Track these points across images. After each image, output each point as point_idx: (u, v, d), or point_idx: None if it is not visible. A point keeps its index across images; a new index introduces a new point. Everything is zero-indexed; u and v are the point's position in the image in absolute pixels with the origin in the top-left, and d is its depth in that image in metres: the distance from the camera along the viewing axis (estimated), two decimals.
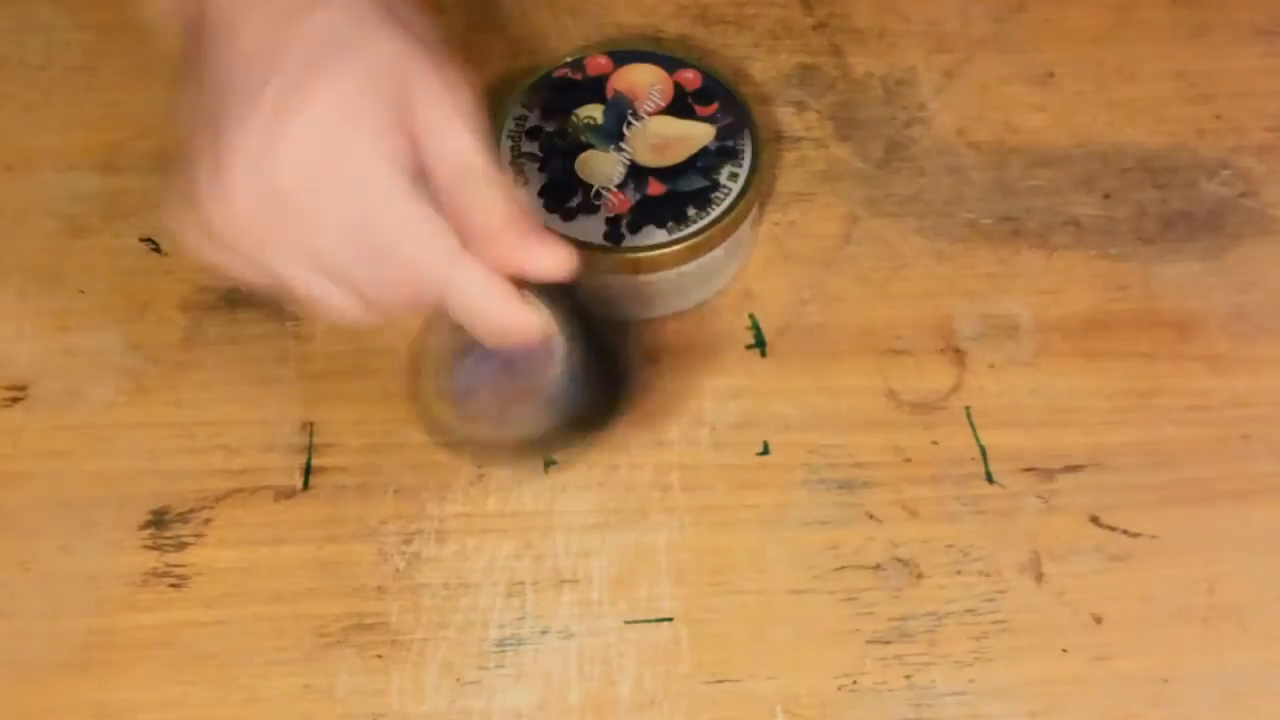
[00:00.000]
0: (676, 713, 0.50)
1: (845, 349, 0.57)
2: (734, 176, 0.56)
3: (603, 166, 0.57)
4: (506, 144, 0.58)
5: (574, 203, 0.56)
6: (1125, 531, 0.54)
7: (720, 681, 0.51)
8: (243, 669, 0.51)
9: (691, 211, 0.56)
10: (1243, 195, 0.61)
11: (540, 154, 0.57)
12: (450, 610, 0.52)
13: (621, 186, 0.56)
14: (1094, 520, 0.54)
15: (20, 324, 0.57)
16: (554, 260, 0.47)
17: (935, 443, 0.55)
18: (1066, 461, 0.55)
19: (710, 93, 0.59)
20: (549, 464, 0.55)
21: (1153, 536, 0.53)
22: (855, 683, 0.51)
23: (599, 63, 0.59)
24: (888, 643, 0.51)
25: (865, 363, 0.57)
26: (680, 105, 0.58)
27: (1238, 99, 0.64)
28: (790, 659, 0.51)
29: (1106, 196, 0.61)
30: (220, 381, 0.56)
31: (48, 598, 0.52)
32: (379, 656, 0.51)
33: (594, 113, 0.58)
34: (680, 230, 0.55)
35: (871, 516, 0.54)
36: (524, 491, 0.54)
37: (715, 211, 0.56)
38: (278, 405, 0.56)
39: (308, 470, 0.54)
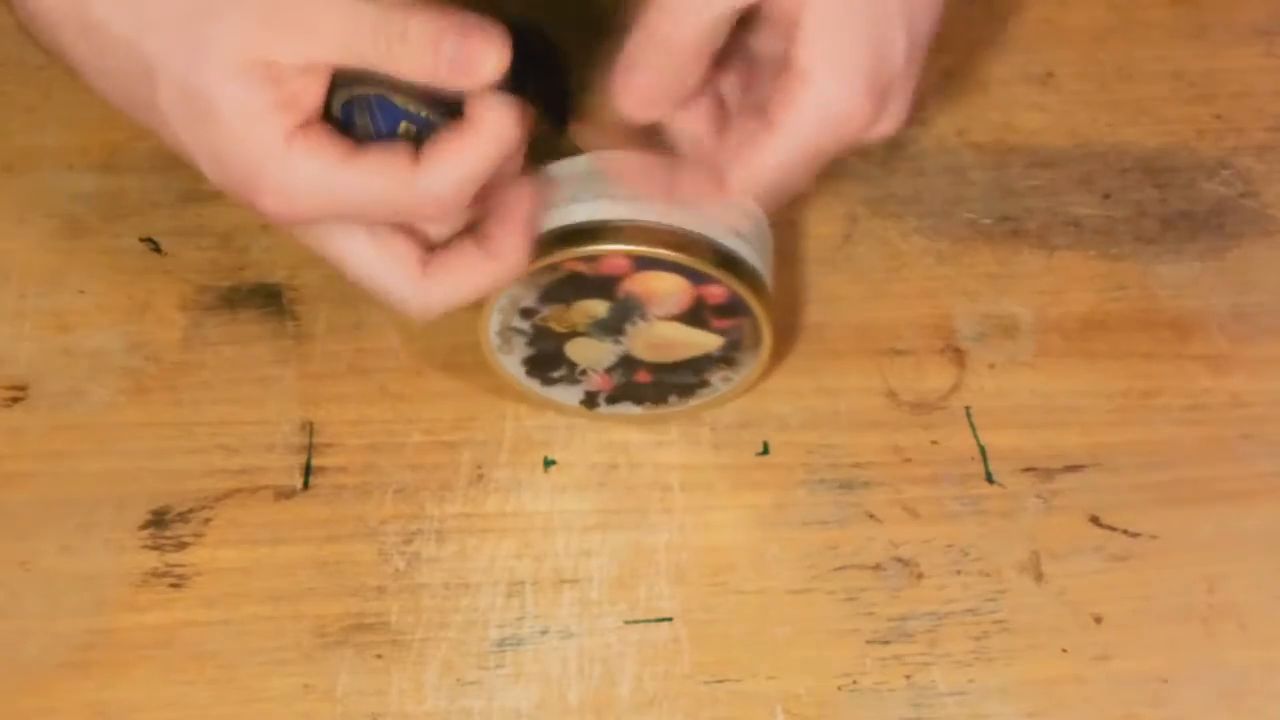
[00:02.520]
0: (676, 713, 0.50)
1: (845, 349, 0.57)
2: (728, 380, 0.54)
3: (594, 353, 0.53)
4: (495, 318, 0.52)
5: (556, 374, 0.54)
6: (1125, 531, 0.54)
7: (720, 681, 0.51)
8: (242, 669, 0.51)
9: (673, 399, 0.55)
10: (1243, 195, 0.61)
11: (530, 332, 0.52)
12: (450, 610, 0.52)
13: (609, 370, 0.54)
14: (1094, 520, 0.54)
15: (20, 324, 0.57)
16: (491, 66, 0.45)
17: (935, 443, 0.55)
18: (1066, 461, 0.55)
19: (733, 309, 0.51)
20: (549, 463, 0.55)
21: (1153, 536, 0.53)
22: (855, 683, 0.51)
23: (616, 263, 0.50)
24: (888, 643, 0.51)
25: (865, 362, 0.57)
26: (695, 314, 0.52)
27: (1238, 99, 0.64)
28: (790, 659, 0.51)
29: (1106, 196, 0.61)
30: (220, 381, 0.56)
31: (48, 598, 0.52)
32: (379, 656, 0.51)
33: (597, 308, 0.52)
34: (656, 409, 0.55)
35: (871, 516, 0.54)
36: (524, 491, 0.54)
37: (697, 401, 0.55)
38: (278, 405, 0.56)
39: (308, 470, 0.54)
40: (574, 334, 0.52)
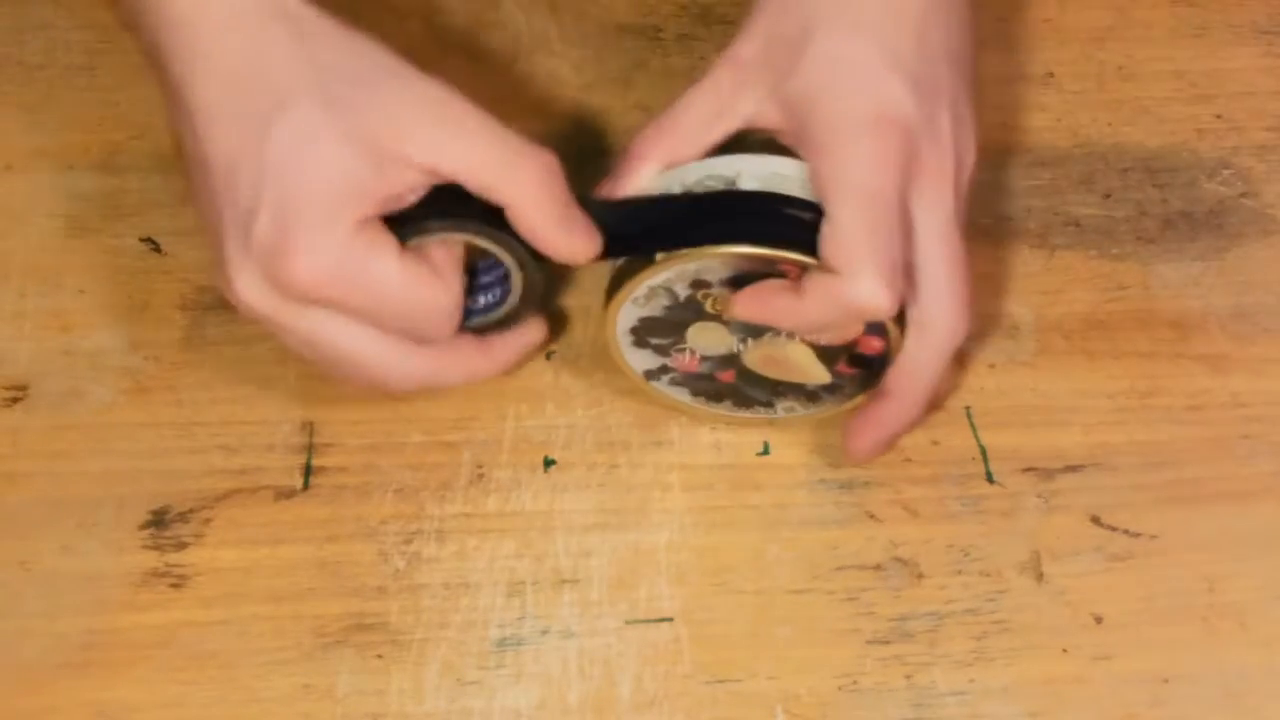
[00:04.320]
0: (676, 713, 0.50)
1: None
2: (791, 410, 0.54)
3: (712, 341, 0.52)
4: (665, 275, 0.50)
5: (654, 341, 0.53)
6: (1125, 531, 0.54)
7: (720, 681, 0.51)
8: (242, 669, 0.51)
9: (727, 403, 0.54)
10: (1243, 195, 0.61)
11: (682, 300, 0.51)
12: (450, 610, 0.52)
13: (706, 359, 0.53)
14: (1094, 520, 0.54)
15: (20, 324, 0.57)
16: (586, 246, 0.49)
17: (935, 443, 0.55)
18: (1066, 461, 0.55)
19: (869, 364, 0.51)
20: (549, 463, 0.55)
21: (1153, 536, 0.53)
22: (855, 683, 0.51)
23: None
24: (888, 643, 0.51)
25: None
26: (837, 352, 0.51)
27: (1238, 99, 0.64)
28: (790, 659, 0.51)
29: (1107, 196, 0.61)
30: (220, 381, 0.56)
31: (47, 598, 0.52)
32: (379, 656, 0.51)
33: None
34: (705, 406, 0.55)
35: (872, 516, 0.54)
36: (524, 491, 0.54)
37: (745, 414, 0.55)
38: (278, 405, 0.56)
39: (308, 470, 0.54)
40: (712, 318, 0.51)
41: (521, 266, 0.50)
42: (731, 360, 0.53)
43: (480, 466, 0.55)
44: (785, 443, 0.55)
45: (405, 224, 0.47)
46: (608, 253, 0.50)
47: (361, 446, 0.55)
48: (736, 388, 0.54)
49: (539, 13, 0.66)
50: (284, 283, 0.46)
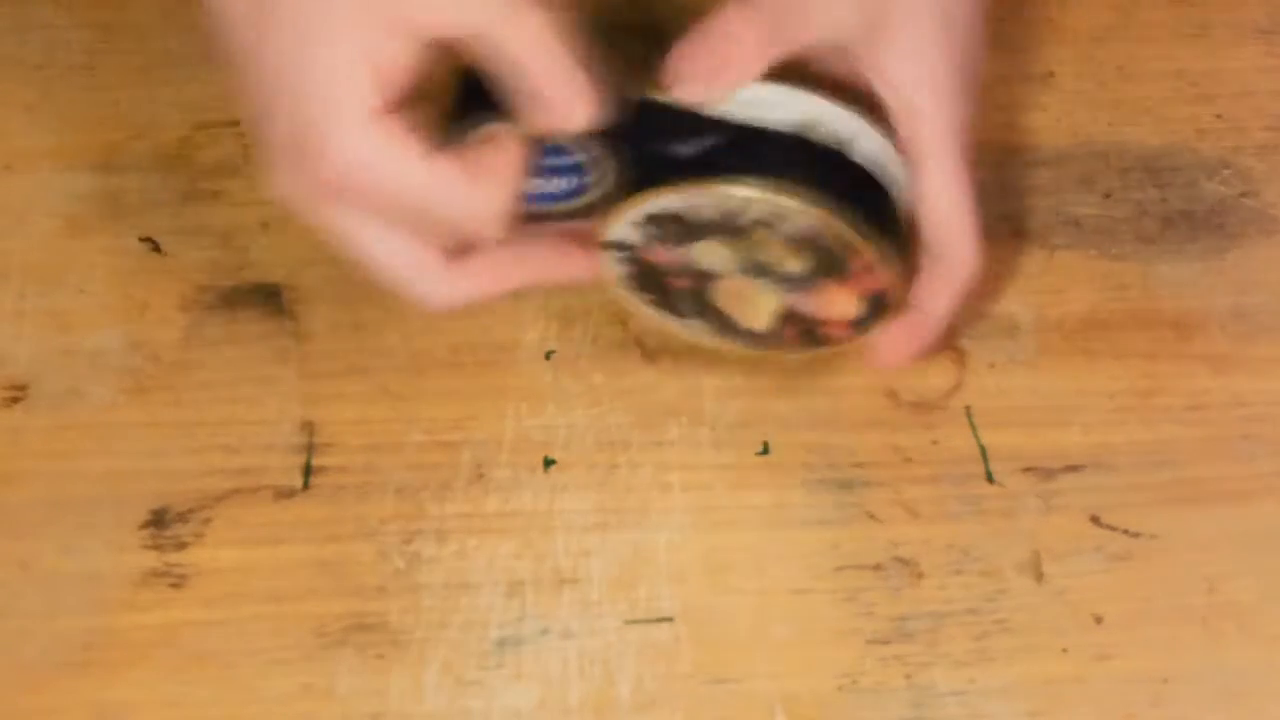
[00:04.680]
0: (676, 713, 0.50)
1: (845, 348, 0.57)
2: (706, 331, 0.55)
3: (711, 256, 0.51)
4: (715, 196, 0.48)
5: (654, 231, 0.50)
6: (1125, 531, 0.54)
7: (720, 681, 0.51)
8: (242, 669, 0.51)
9: (653, 296, 0.54)
10: (1243, 195, 0.61)
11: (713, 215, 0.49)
12: (450, 610, 0.52)
13: (680, 260, 0.51)
14: (1094, 520, 0.54)
15: (20, 324, 0.57)
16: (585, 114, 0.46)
17: (935, 442, 0.55)
18: (1066, 461, 0.55)
19: (814, 332, 0.53)
20: (549, 463, 0.55)
21: (1153, 536, 0.53)
22: (855, 683, 0.51)
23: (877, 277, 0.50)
24: (888, 643, 0.51)
25: (868, 360, 0.57)
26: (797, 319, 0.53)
27: (1238, 98, 0.64)
28: (790, 659, 0.51)
29: (1107, 196, 0.61)
30: (220, 381, 0.56)
31: (47, 597, 0.52)
32: (379, 656, 0.51)
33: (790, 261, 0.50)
34: (627, 291, 0.54)
35: (871, 516, 0.54)
36: (524, 491, 0.54)
37: (667, 315, 0.55)
38: (278, 405, 0.56)
39: (308, 470, 0.54)
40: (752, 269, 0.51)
41: (586, 151, 0.48)
42: (703, 277, 0.52)
43: (480, 466, 0.55)
44: (785, 443, 0.55)
45: (466, 120, 0.46)
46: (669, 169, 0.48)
47: (361, 446, 0.55)
48: (678, 293, 0.53)
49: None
50: (308, 180, 0.45)
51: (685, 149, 0.48)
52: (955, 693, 0.50)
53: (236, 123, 0.62)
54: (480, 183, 0.46)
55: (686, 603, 0.52)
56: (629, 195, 0.48)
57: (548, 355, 0.57)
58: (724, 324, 0.54)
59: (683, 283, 0.52)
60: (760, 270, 0.51)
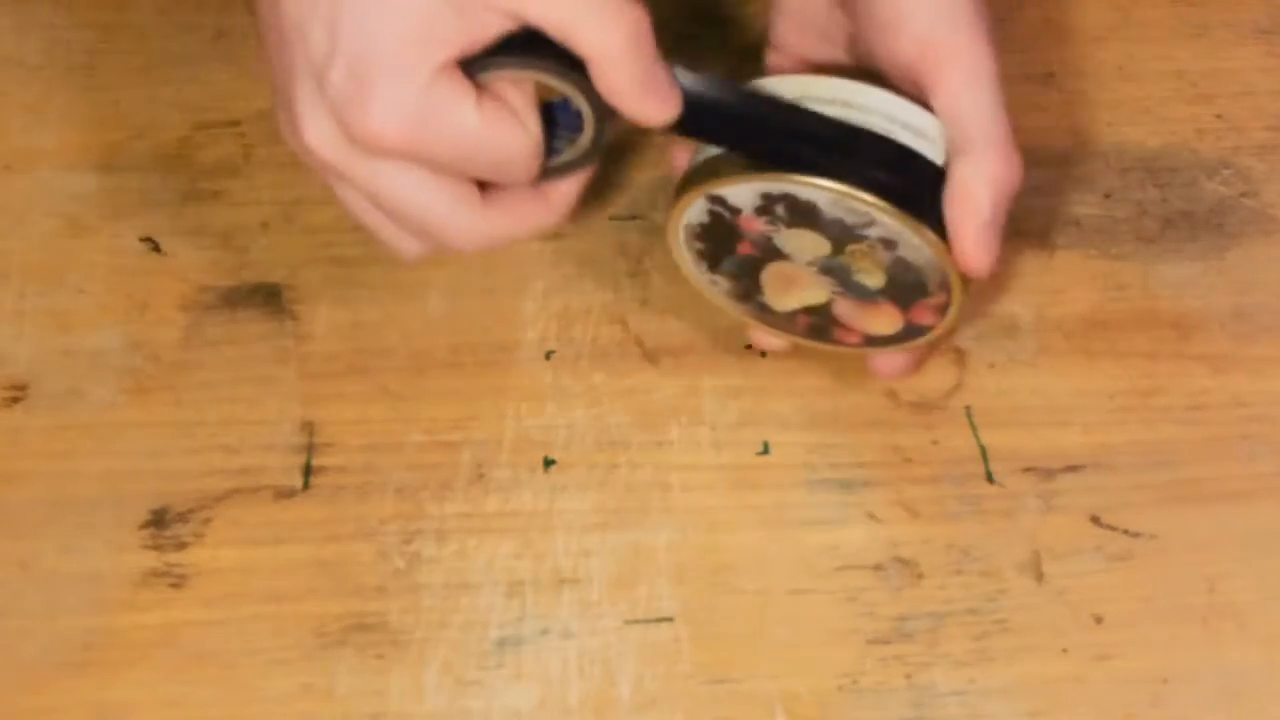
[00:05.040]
0: (676, 713, 0.50)
1: (844, 352, 0.57)
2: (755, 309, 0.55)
3: (800, 287, 0.52)
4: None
5: (725, 261, 0.52)
6: (1125, 531, 0.54)
7: (720, 681, 0.51)
8: (242, 669, 0.51)
9: (726, 274, 0.54)
10: (1243, 195, 0.61)
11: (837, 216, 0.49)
12: (450, 610, 0.52)
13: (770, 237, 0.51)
14: (1094, 520, 0.54)
15: (20, 324, 0.57)
16: (662, 110, 0.47)
17: (935, 442, 0.55)
18: (1067, 461, 0.55)
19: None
20: (549, 463, 0.55)
21: (1153, 536, 0.53)
22: (855, 683, 0.51)
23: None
24: (888, 643, 0.51)
25: (865, 362, 0.57)
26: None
27: (1238, 98, 0.64)
28: (790, 659, 0.51)
29: (1107, 196, 0.61)
30: (220, 381, 0.56)
31: (47, 597, 0.52)
32: (379, 656, 0.51)
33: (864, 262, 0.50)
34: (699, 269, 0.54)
35: (871, 516, 0.54)
36: (524, 491, 0.54)
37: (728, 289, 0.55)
38: (278, 405, 0.56)
39: (308, 470, 0.54)
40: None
41: (595, 113, 0.48)
42: (772, 252, 0.51)
43: (480, 466, 0.55)
44: (785, 443, 0.55)
45: (478, 59, 0.46)
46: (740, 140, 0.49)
47: (361, 446, 0.55)
48: (735, 257, 0.53)
49: None
50: (359, 133, 0.45)
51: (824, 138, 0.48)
52: (955, 693, 0.50)
53: (237, 123, 0.62)
54: (521, 124, 0.47)
55: (686, 603, 0.52)
56: (774, 169, 0.48)
57: (548, 355, 0.57)
58: (749, 292, 0.54)
59: (747, 250, 0.52)
60: (835, 270, 0.51)
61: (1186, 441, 0.55)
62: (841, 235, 0.49)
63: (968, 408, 0.56)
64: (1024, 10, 0.67)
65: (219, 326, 0.57)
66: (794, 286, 0.52)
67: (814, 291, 0.52)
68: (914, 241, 0.49)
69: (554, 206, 0.51)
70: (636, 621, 0.52)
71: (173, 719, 0.50)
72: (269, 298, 0.58)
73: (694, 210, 0.51)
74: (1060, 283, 0.59)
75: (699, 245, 0.53)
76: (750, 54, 0.64)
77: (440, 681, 0.51)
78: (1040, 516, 0.54)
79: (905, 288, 0.51)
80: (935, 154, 0.49)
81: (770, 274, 0.52)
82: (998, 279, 0.59)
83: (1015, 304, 0.59)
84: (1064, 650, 0.51)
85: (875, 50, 0.51)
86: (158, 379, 0.56)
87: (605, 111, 0.48)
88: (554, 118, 0.49)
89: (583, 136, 0.49)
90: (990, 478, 0.55)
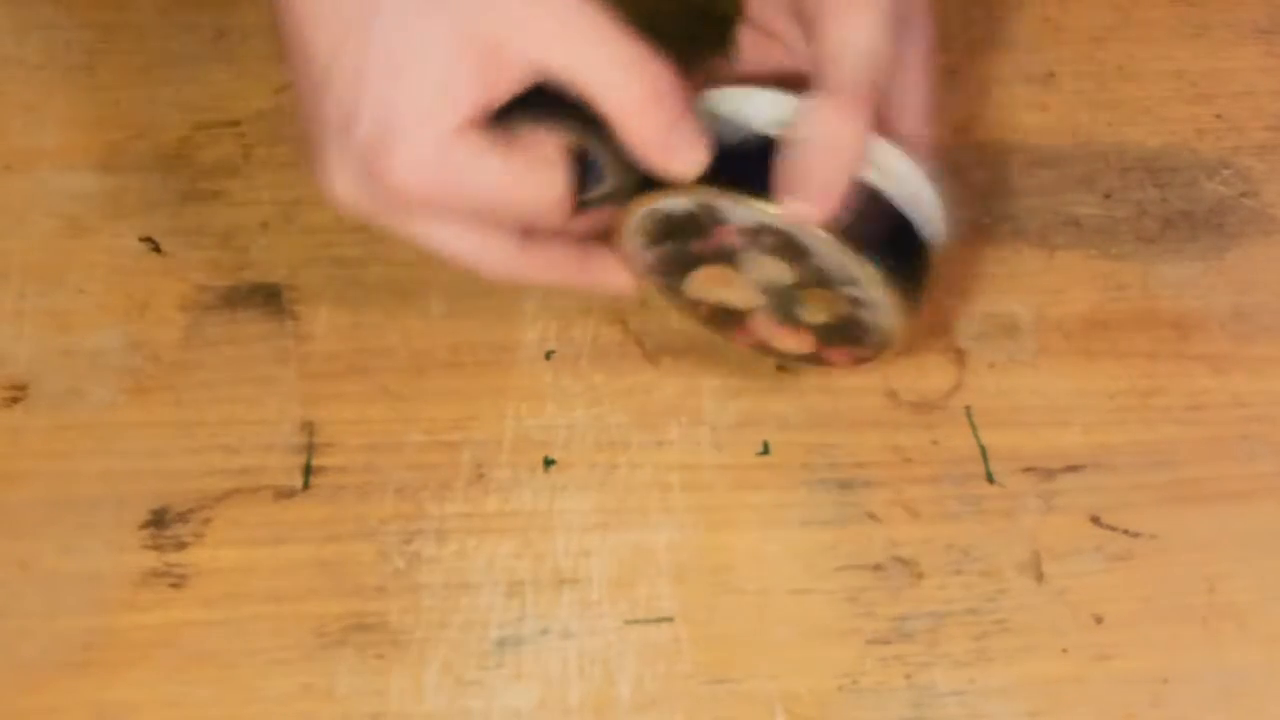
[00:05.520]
0: (676, 713, 0.50)
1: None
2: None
3: (726, 288, 0.52)
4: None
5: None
6: (1125, 531, 0.54)
7: (720, 681, 0.51)
8: (242, 669, 0.51)
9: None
10: (1243, 195, 0.61)
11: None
12: (450, 610, 0.52)
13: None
14: (1094, 520, 0.54)
15: (20, 324, 0.57)
16: (686, 165, 0.47)
17: (935, 442, 0.55)
18: (1066, 461, 0.55)
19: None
20: (549, 463, 0.55)
21: (1153, 536, 0.53)
22: (855, 683, 0.51)
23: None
24: (888, 643, 0.51)
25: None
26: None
27: (1238, 98, 0.64)
28: (790, 659, 0.51)
29: (1106, 196, 0.61)
30: (220, 381, 0.56)
31: (47, 597, 0.52)
32: (379, 656, 0.51)
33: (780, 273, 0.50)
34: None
35: (872, 516, 0.54)
36: (524, 491, 0.54)
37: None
38: (278, 405, 0.56)
39: (308, 470, 0.54)
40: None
41: (620, 162, 0.48)
42: (723, 258, 0.51)
43: (480, 466, 0.55)
44: (785, 443, 0.55)
45: (503, 115, 0.46)
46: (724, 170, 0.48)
47: (361, 446, 0.55)
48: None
49: None
50: (385, 186, 0.45)
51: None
52: (955, 693, 0.51)
53: (237, 123, 0.62)
54: (547, 172, 0.47)
55: (686, 603, 0.52)
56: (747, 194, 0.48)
57: (548, 355, 0.57)
58: (670, 273, 0.53)
59: (700, 248, 0.51)
60: (779, 294, 0.51)
61: (1186, 441, 0.55)
62: (814, 278, 0.49)
63: (968, 408, 0.56)
64: (1024, 10, 0.67)
65: (219, 326, 0.57)
66: (723, 287, 0.52)
67: (741, 297, 0.52)
68: (886, 310, 0.49)
69: (587, 275, 0.51)
70: (636, 621, 0.52)
71: (173, 719, 0.50)
72: (269, 298, 0.58)
73: (680, 200, 0.50)
74: (1060, 283, 0.59)
75: (655, 224, 0.51)
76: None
77: (440, 681, 0.51)
78: (1040, 516, 0.54)
79: (840, 333, 0.51)
80: (924, 223, 0.49)
81: (707, 271, 0.52)
82: (997, 279, 0.59)
83: (1015, 304, 0.58)
84: (1064, 650, 0.51)
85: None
86: (158, 379, 0.56)
87: (630, 160, 0.47)
88: (589, 160, 0.48)
89: (604, 186, 0.49)
90: (990, 478, 0.55)
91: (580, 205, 0.49)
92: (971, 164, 0.62)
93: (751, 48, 0.54)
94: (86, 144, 0.62)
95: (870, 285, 0.48)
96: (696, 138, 0.47)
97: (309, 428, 0.55)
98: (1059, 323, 0.58)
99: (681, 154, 0.47)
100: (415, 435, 0.55)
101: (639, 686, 0.51)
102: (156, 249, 0.59)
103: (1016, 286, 0.59)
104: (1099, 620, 0.52)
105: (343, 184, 0.46)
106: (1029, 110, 0.63)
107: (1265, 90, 0.64)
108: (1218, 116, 0.63)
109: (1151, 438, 0.55)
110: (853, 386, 0.56)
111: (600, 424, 0.56)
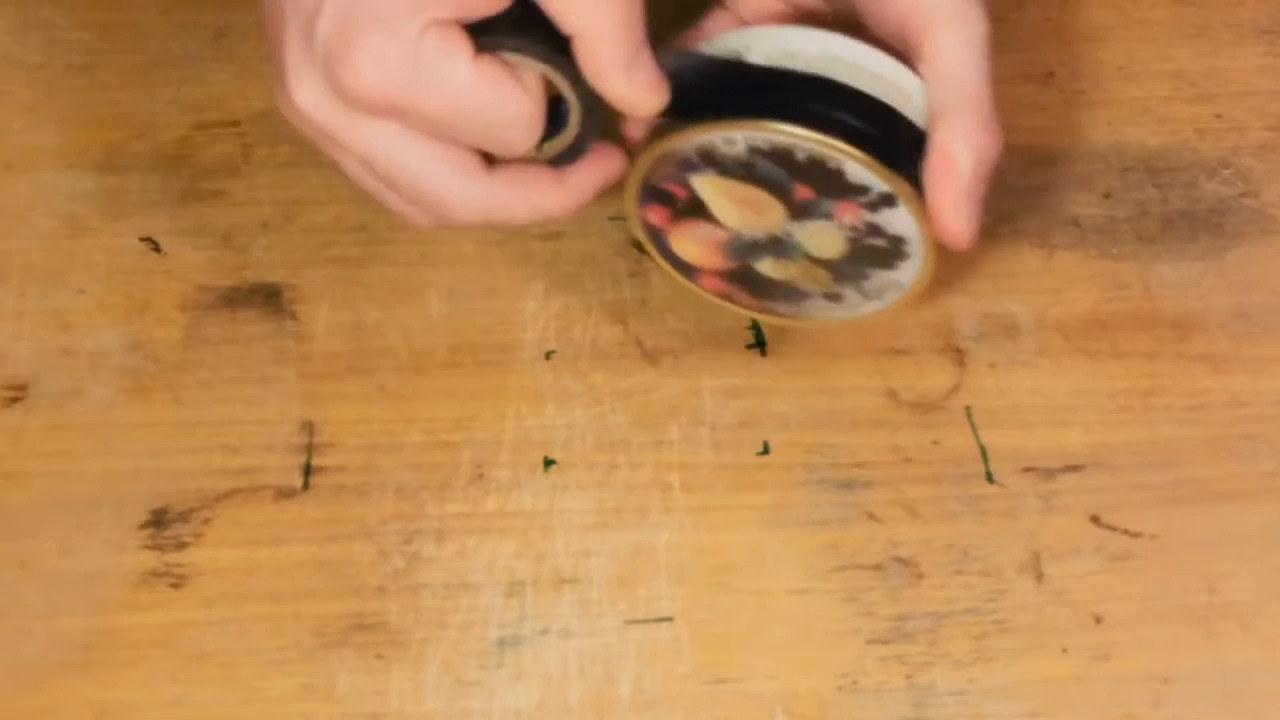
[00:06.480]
0: (676, 713, 0.50)
1: (845, 349, 0.57)
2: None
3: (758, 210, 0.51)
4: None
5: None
6: (1125, 531, 0.54)
7: (720, 681, 0.51)
8: (242, 669, 0.51)
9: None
10: (1243, 195, 0.61)
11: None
12: (450, 610, 0.52)
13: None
14: (1094, 520, 0.54)
15: (20, 324, 0.57)
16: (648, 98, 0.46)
17: (935, 442, 0.55)
18: (1066, 461, 0.55)
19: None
20: (549, 463, 0.55)
21: (1153, 536, 0.53)
22: (855, 683, 0.51)
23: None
24: (888, 643, 0.51)
25: (865, 362, 0.57)
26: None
27: (1238, 98, 0.64)
28: (790, 659, 0.51)
29: (1107, 196, 0.61)
30: (220, 381, 0.56)
31: (47, 597, 0.52)
32: (379, 656, 0.51)
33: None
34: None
35: (871, 516, 0.54)
36: (524, 491, 0.54)
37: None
38: (278, 405, 0.56)
39: (308, 470, 0.54)
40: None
41: (584, 103, 0.47)
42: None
43: (480, 466, 0.55)
44: (785, 443, 0.55)
45: (482, 35, 0.45)
46: (679, 109, 0.47)
47: (361, 446, 0.55)
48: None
49: None
50: (347, 87, 0.43)
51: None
52: (955, 693, 0.51)
53: (237, 122, 0.62)
54: (521, 87, 0.45)
55: (686, 603, 0.52)
56: (753, 116, 0.47)
57: (548, 355, 0.57)
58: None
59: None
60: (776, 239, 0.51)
61: (1186, 441, 0.55)
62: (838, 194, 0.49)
63: (968, 408, 0.56)
64: (1024, 10, 0.67)
65: (219, 326, 0.57)
66: (755, 213, 0.51)
67: (769, 223, 0.51)
68: (907, 221, 0.49)
69: (568, 191, 0.49)
70: (636, 621, 0.52)
71: (172, 719, 0.50)
72: (269, 298, 0.58)
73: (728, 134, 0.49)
74: (1060, 283, 0.59)
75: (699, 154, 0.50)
76: None
77: (440, 681, 0.51)
78: (1040, 516, 0.54)
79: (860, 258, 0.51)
80: (917, 115, 0.49)
81: (739, 188, 0.50)
82: (997, 279, 0.59)
83: (1015, 304, 0.59)
84: (1064, 650, 0.51)
85: (862, 6, 0.50)
86: (158, 379, 0.56)
87: (593, 101, 0.47)
88: (557, 110, 0.48)
89: (567, 129, 0.48)
90: (990, 478, 0.55)
91: (541, 155, 0.48)
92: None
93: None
94: (86, 144, 0.62)
95: (903, 201, 0.48)
96: (659, 72, 0.46)
97: (309, 428, 0.55)
98: (1059, 323, 0.58)
99: (644, 84, 0.46)
100: (415, 435, 0.55)
101: (639, 686, 0.51)
102: (156, 249, 0.59)
103: (1016, 286, 0.59)
104: (1099, 620, 0.52)
105: (304, 91, 0.45)
106: (1029, 110, 0.63)
107: (1265, 90, 0.64)
108: (1218, 116, 0.63)
109: (1151, 438, 0.55)
110: (853, 387, 0.56)
111: (600, 424, 0.56)
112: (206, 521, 0.53)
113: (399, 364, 0.57)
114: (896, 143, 0.48)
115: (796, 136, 0.47)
